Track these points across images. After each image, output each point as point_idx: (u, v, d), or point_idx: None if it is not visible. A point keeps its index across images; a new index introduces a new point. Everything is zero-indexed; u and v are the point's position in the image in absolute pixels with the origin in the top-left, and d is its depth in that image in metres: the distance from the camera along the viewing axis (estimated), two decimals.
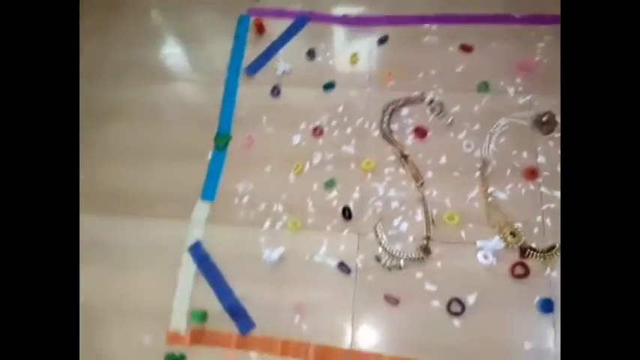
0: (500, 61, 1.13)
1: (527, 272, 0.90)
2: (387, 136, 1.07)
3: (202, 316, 0.91)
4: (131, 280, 0.99)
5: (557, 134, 1.03)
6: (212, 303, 0.94)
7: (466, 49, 1.16)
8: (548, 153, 1.01)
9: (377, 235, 0.97)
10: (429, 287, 0.91)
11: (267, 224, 1.01)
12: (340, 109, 1.12)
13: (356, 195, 1.01)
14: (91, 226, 1.04)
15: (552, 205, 0.95)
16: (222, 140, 1.11)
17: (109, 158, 1.14)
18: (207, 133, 1.13)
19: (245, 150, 1.10)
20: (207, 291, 0.95)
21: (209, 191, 1.06)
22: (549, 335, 0.84)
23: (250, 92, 1.18)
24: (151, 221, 1.05)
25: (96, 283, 0.99)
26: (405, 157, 1.04)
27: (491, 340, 0.85)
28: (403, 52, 1.18)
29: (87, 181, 1.08)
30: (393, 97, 1.11)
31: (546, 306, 0.86)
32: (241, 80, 1.20)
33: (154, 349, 0.91)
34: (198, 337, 0.91)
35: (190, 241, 1.01)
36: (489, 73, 1.11)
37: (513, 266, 0.91)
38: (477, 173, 1.01)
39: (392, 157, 1.05)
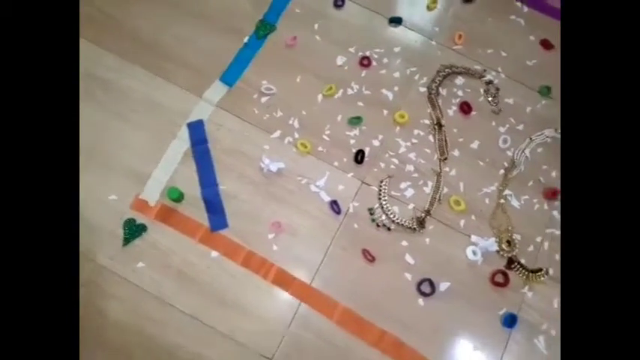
0: None
1: (506, 283, 0.88)
2: (432, 97, 0.99)
3: (178, 196, 0.86)
4: (122, 132, 0.92)
5: None
6: (192, 188, 0.88)
7: (546, 45, 1.06)
8: None
9: (380, 190, 0.92)
10: (409, 259, 0.88)
11: (276, 133, 0.94)
12: (397, 49, 1.02)
13: (376, 143, 0.95)
14: (105, 63, 0.96)
15: (556, 232, 0.92)
16: (264, 28, 1.00)
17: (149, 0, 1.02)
18: (254, 15, 1.02)
19: (284, 49, 1.00)
20: (191, 174, 0.89)
21: (231, 76, 0.97)
22: (499, 348, 0.84)
23: None
24: (163, 82, 0.96)
25: (87, 121, 0.91)
26: (440, 125, 0.97)
27: (445, 331, 0.84)
28: (484, 21, 1.06)
29: (117, 16, 0.99)
30: (454, 62, 1.02)
31: (510, 321, 0.85)
32: None
33: (116, 209, 0.86)
34: (165, 214, 0.86)
35: (193, 118, 0.93)
36: (557, 79, 1.03)
37: (495, 272, 0.88)
38: (501, 171, 0.96)
39: (427, 121, 0.98)
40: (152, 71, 0.97)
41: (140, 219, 0.86)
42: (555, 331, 0.85)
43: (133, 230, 0.84)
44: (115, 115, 0.93)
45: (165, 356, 0.80)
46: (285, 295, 0.84)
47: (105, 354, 0.79)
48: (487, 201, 0.93)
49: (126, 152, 0.90)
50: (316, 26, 1.02)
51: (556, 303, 0.87)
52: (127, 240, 0.83)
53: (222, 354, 0.80)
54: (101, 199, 0.87)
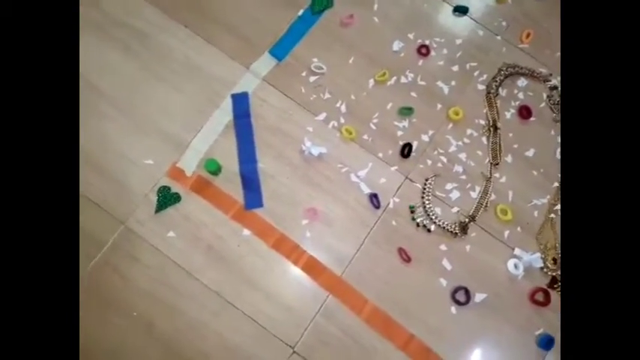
0: None
1: (546, 302, 0.82)
2: (490, 97, 0.92)
3: (216, 169, 0.83)
4: (160, 93, 0.88)
5: None
6: (231, 162, 0.85)
7: None
8: None
9: (424, 189, 0.87)
10: (446, 264, 0.83)
11: (322, 116, 0.89)
12: (459, 41, 0.95)
13: (425, 138, 0.90)
14: (145, 15, 0.92)
15: None
16: (321, 3, 0.94)
17: None
18: None
19: (340, 27, 0.95)
20: (231, 148, 0.86)
21: (281, 50, 0.92)
22: None
23: None
24: (208, 46, 0.92)
25: (121, 74, 0.88)
26: (495, 128, 0.91)
27: (476, 343, 0.80)
28: (555, 20, 0.98)
29: None
30: (519, 61, 0.95)
31: (546, 342, 0.80)
32: None
33: (151, 174, 0.84)
34: (201, 186, 0.84)
35: (239, 90, 0.89)
36: None
37: (536, 290, 0.83)
38: (555, 184, 0.89)
39: (482, 121, 0.91)
40: (197, 32, 0.92)
41: (175, 187, 0.83)
42: None
43: (167, 198, 0.81)
44: (153, 73, 0.89)
45: (186, 329, 0.78)
46: (313, 285, 0.80)
47: (124, 319, 0.78)
48: (536, 214, 0.87)
49: (165, 115, 0.87)
50: (375, 7, 0.96)
51: None
52: (160, 207, 0.81)
53: (243, 335, 0.78)
54: (137, 161, 0.84)
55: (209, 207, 0.83)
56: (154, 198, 0.82)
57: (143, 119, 0.87)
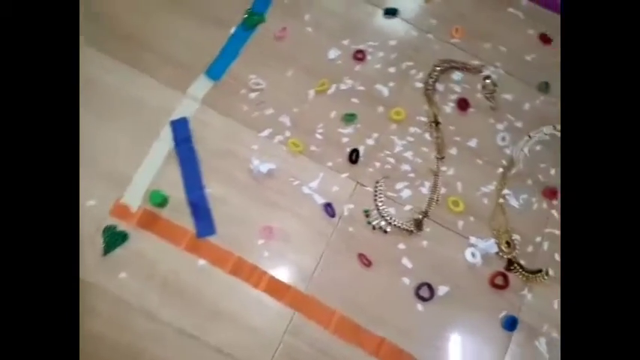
0: None
1: (505, 285, 0.85)
2: (428, 93, 0.95)
3: (162, 201, 0.80)
4: (99, 131, 0.85)
5: None
6: (177, 191, 0.83)
7: (545, 39, 1.02)
8: None
9: (375, 191, 0.88)
10: (406, 262, 0.84)
11: (266, 132, 0.88)
12: (393, 42, 0.97)
13: (371, 141, 0.90)
14: (83, 59, 0.87)
15: (555, 232, 0.90)
16: (252, 19, 0.94)
17: None
18: (242, 5, 0.96)
19: (274, 41, 0.94)
20: (176, 177, 0.83)
21: (216, 69, 0.90)
22: (501, 351, 0.82)
23: None
24: (143, 77, 0.89)
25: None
26: (437, 123, 0.93)
27: (445, 336, 0.81)
28: (483, 13, 1.02)
29: (93, 5, 0.91)
30: (452, 56, 0.98)
31: (510, 323, 0.82)
32: None
33: (94, 216, 0.80)
34: (148, 220, 0.81)
35: (177, 115, 0.87)
36: (556, 76, 1.00)
37: (495, 275, 0.86)
38: (500, 170, 0.93)
39: (423, 118, 0.93)
40: (131, 65, 0.89)
41: (121, 226, 0.80)
42: (556, 333, 0.83)
43: (114, 238, 0.78)
44: (90, 113, 0.85)
45: None
46: (278, 304, 0.79)
47: None
48: (486, 201, 0.90)
49: (104, 154, 0.83)
50: (307, 17, 0.97)
51: (556, 304, 0.84)
52: (107, 249, 0.77)
53: None
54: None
55: (159, 241, 0.80)
56: (100, 240, 0.78)
57: (82, 161, 0.82)
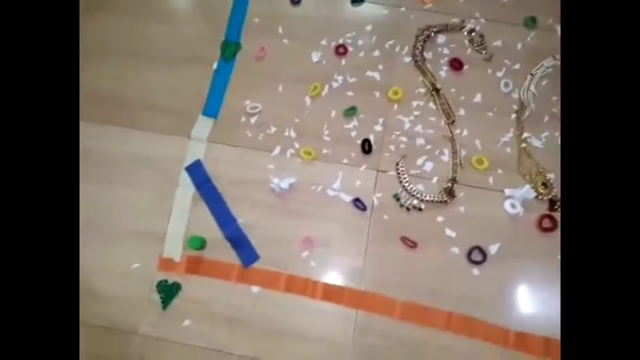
0: None
1: (554, 226, 0.84)
2: (419, 64, 0.95)
3: (201, 244, 0.82)
4: (121, 198, 0.88)
5: None
6: (211, 230, 0.85)
7: None
8: None
9: (398, 173, 0.88)
10: (450, 233, 0.84)
11: (277, 150, 0.90)
12: (369, 27, 0.98)
13: (378, 127, 0.91)
14: (82, 132, 0.91)
15: None
16: (230, 49, 0.96)
17: (99, 57, 0.98)
18: (215, 38, 0.98)
19: (256, 63, 0.96)
20: (206, 217, 0.86)
21: (212, 107, 0.93)
22: None
23: None
24: (145, 134, 0.92)
25: (84, 199, 0.87)
26: (436, 90, 0.93)
27: (509, 293, 0.80)
28: None
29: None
30: (430, 22, 0.98)
31: None
32: None
33: (144, 276, 0.83)
34: (194, 265, 0.83)
35: (189, 160, 0.89)
36: (538, 7, 0.98)
37: (541, 218, 0.84)
38: (513, 116, 0.91)
39: (422, 89, 0.93)
40: (130, 126, 0.93)
41: (171, 278, 0.82)
42: None
43: (168, 291, 0.80)
44: (106, 184, 0.89)
45: None
46: (339, 308, 0.80)
47: None
48: (509, 150, 0.89)
49: (132, 217, 0.87)
50: (280, 30, 0.98)
51: None
52: (165, 303, 0.80)
53: None
54: (125, 271, 0.83)
55: (211, 281, 0.82)
56: (157, 296, 0.81)
57: (113, 229, 0.86)
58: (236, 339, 0.79)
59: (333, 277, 0.82)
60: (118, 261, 0.84)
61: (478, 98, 0.92)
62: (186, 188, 0.88)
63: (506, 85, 0.93)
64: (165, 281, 0.81)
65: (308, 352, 0.78)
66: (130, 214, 0.87)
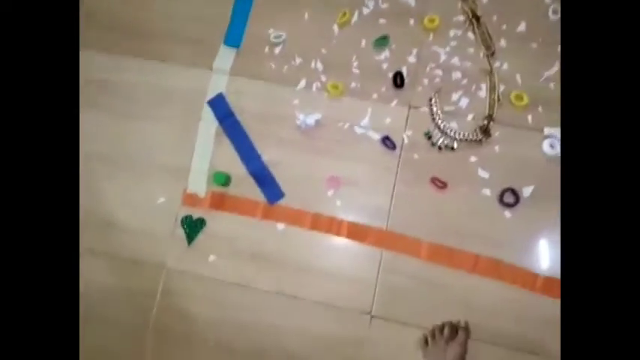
0: None
1: None
2: None
3: (225, 180, 0.81)
4: (141, 131, 0.86)
5: None
6: (236, 166, 0.83)
7: None
8: None
9: (431, 109, 0.83)
10: (482, 174, 0.80)
11: (302, 83, 0.85)
12: None
13: (412, 59, 0.84)
14: (93, 63, 0.87)
15: None
16: None
17: None
18: None
19: None
20: (230, 152, 0.84)
21: (234, 36, 0.87)
22: None
23: None
24: (165, 65, 0.88)
25: (100, 131, 0.86)
26: (477, 18, 0.84)
27: (541, 237, 0.78)
28: None
29: (88, 10, 0.89)
30: None
31: None
32: None
33: (168, 211, 0.83)
34: (219, 201, 0.82)
35: (212, 94, 0.85)
36: None
37: None
38: (559, 47, 0.83)
39: (461, 17, 0.85)
40: (148, 57, 0.89)
41: (196, 213, 0.82)
42: None
43: (193, 226, 0.80)
44: (127, 117, 0.87)
45: (267, 340, 0.79)
46: (364, 248, 0.79)
47: (204, 355, 0.80)
48: (552, 86, 0.82)
49: (156, 151, 0.85)
50: None
51: None
52: (191, 238, 0.80)
53: (320, 321, 0.78)
54: (150, 205, 0.83)
55: (235, 217, 0.81)
56: (181, 231, 0.81)
57: (139, 163, 0.85)
58: (260, 274, 0.80)
59: (359, 216, 0.80)
60: (144, 195, 0.84)
61: (522, 27, 0.84)
62: (208, 122, 0.85)
63: (555, 11, 0.84)
64: (191, 217, 0.81)
65: (332, 289, 0.79)
66: (155, 148, 0.85)
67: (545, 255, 0.77)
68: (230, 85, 0.86)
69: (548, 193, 0.79)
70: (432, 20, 0.84)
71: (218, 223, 0.82)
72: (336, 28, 0.86)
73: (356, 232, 0.79)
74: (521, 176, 0.80)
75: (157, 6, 0.90)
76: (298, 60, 0.86)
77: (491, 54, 0.84)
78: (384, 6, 0.86)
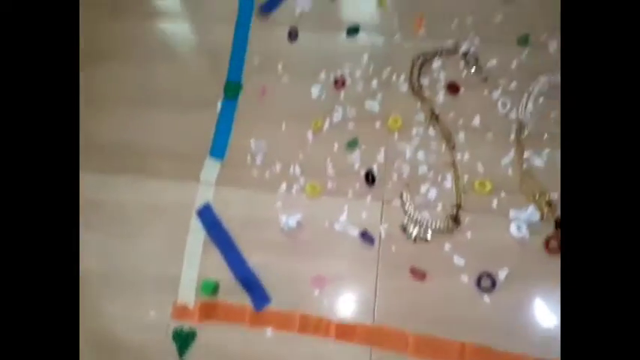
0: (544, 12, 1.00)
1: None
2: (416, 91, 0.96)
3: (213, 288, 0.84)
4: (133, 247, 0.90)
5: None
6: (223, 273, 0.86)
7: None
8: None
9: (403, 203, 0.89)
10: (458, 261, 0.84)
11: (283, 187, 0.91)
12: (365, 58, 0.99)
13: (380, 157, 0.92)
14: (85, 184, 0.92)
15: None
16: (232, 90, 0.98)
17: (104, 106, 1.00)
18: (216, 81, 1.00)
19: (258, 102, 0.98)
20: (218, 260, 0.87)
21: (219, 148, 0.94)
22: None
23: (264, 35, 1.03)
24: (153, 181, 0.94)
25: (93, 250, 0.89)
26: (435, 116, 0.94)
27: (523, 318, 0.81)
28: (438, 1, 1.03)
29: (80, 133, 0.96)
30: (424, 47, 0.99)
31: None
32: (254, 20, 1.05)
33: (159, 325, 0.84)
34: (208, 311, 0.84)
35: (199, 204, 0.91)
36: (531, 24, 0.99)
37: (548, 240, 0.85)
38: (512, 136, 0.92)
39: (421, 116, 0.94)
40: (138, 174, 0.94)
41: (186, 325, 0.84)
42: None
43: (184, 339, 0.82)
44: (119, 235, 0.91)
45: None
46: (352, 347, 0.81)
47: None
48: (510, 172, 0.90)
49: (145, 265, 0.88)
50: (280, 67, 1.00)
51: None
52: (182, 351, 0.81)
53: None
54: (141, 320, 0.85)
55: (225, 326, 0.83)
56: (173, 345, 0.83)
57: (127, 279, 0.88)
58: None
59: (346, 313, 0.83)
60: (133, 310, 0.85)
61: (476, 121, 0.93)
62: (197, 233, 0.89)
63: (504, 105, 0.94)
64: (181, 329, 0.83)
65: None
66: (142, 263, 0.88)
67: (530, 335, 0.79)
68: (216, 194, 0.92)
69: (523, 274, 0.83)
70: (395, 121, 0.93)
71: (208, 333, 0.83)
72: (310, 134, 0.94)
73: (344, 332, 0.81)
74: (494, 260, 0.84)
75: (148, 125, 0.98)
76: (278, 166, 0.93)
77: (452, 147, 0.92)
78: (352, 112, 0.95)
